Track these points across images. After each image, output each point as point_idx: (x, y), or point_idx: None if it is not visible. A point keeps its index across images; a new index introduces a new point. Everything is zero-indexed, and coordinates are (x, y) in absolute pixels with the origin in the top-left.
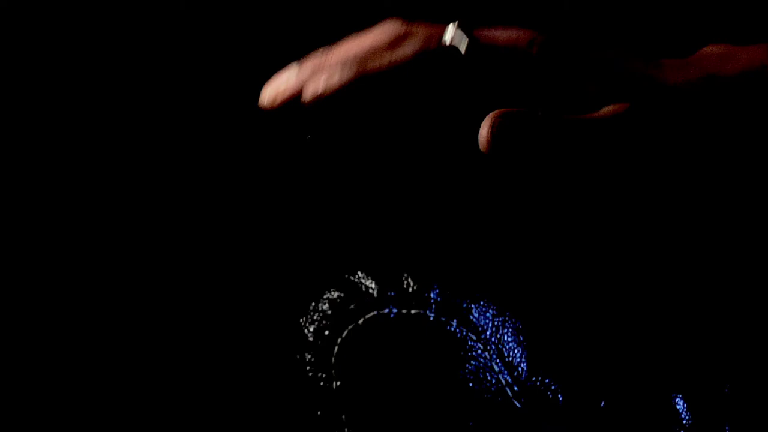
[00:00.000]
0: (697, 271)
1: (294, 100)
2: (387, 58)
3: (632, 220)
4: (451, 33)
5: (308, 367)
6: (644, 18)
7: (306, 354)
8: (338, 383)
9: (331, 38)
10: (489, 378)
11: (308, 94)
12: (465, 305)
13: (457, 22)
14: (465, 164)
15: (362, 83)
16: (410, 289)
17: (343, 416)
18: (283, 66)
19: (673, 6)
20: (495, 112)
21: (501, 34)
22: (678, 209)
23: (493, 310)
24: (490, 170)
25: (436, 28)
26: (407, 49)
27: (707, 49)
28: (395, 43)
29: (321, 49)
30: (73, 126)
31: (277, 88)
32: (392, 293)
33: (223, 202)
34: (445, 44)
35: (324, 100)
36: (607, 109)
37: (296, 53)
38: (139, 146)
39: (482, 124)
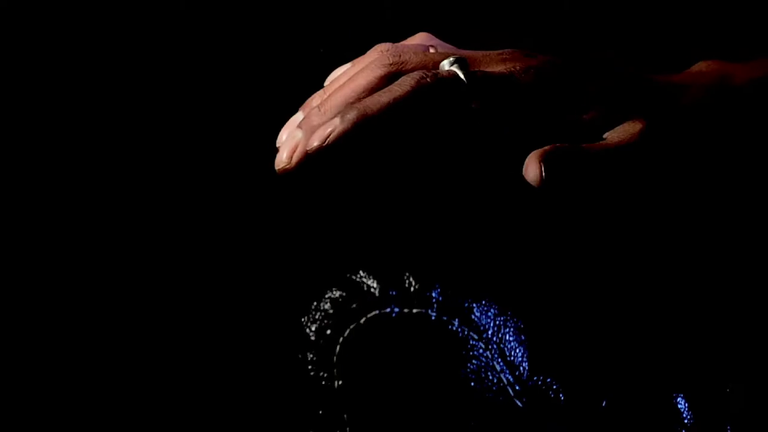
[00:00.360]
0: (698, 271)
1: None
2: (386, 98)
3: (634, 221)
4: (447, 68)
5: (310, 367)
6: (643, 18)
7: (308, 353)
8: (340, 382)
9: (331, 40)
10: (490, 377)
11: (313, 146)
12: (467, 304)
13: (452, 57)
14: (465, 163)
15: (366, 127)
16: (412, 289)
17: (345, 415)
18: (282, 65)
19: (672, 7)
20: (540, 150)
21: (496, 66)
22: (679, 211)
23: (494, 309)
24: (491, 171)
25: (427, 57)
26: (405, 85)
27: (702, 65)
28: (390, 77)
29: (316, 94)
30: (73, 126)
31: (289, 150)
32: (394, 292)
33: (225, 201)
34: (443, 78)
35: (330, 149)
36: (624, 131)
37: (296, 53)
38: (142, 147)
39: (529, 161)
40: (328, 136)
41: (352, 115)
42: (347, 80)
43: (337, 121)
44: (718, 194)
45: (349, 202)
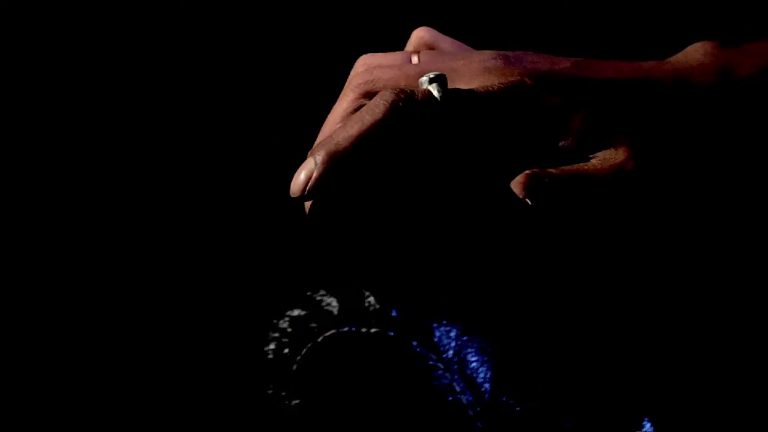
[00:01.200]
0: (683, 281)
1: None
2: (356, 130)
3: (612, 241)
4: (425, 86)
5: (267, 385)
6: (643, 18)
7: (265, 372)
8: (297, 401)
9: (331, 40)
10: (450, 399)
11: (296, 195)
12: (427, 324)
13: (431, 74)
14: (431, 183)
15: (342, 164)
16: (371, 308)
17: None
18: (283, 66)
19: (672, 7)
20: (519, 183)
21: (476, 80)
22: (672, 216)
23: (456, 329)
24: (459, 189)
25: (400, 72)
26: (377, 112)
27: (699, 52)
28: (363, 98)
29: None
30: (73, 126)
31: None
32: (353, 311)
33: (186, 219)
34: (416, 100)
35: (314, 193)
36: (606, 158)
37: (296, 55)
38: (121, 158)
39: (515, 184)
40: (306, 184)
41: (324, 157)
42: (331, 112)
43: (311, 164)
44: (709, 195)
45: (312, 220)
